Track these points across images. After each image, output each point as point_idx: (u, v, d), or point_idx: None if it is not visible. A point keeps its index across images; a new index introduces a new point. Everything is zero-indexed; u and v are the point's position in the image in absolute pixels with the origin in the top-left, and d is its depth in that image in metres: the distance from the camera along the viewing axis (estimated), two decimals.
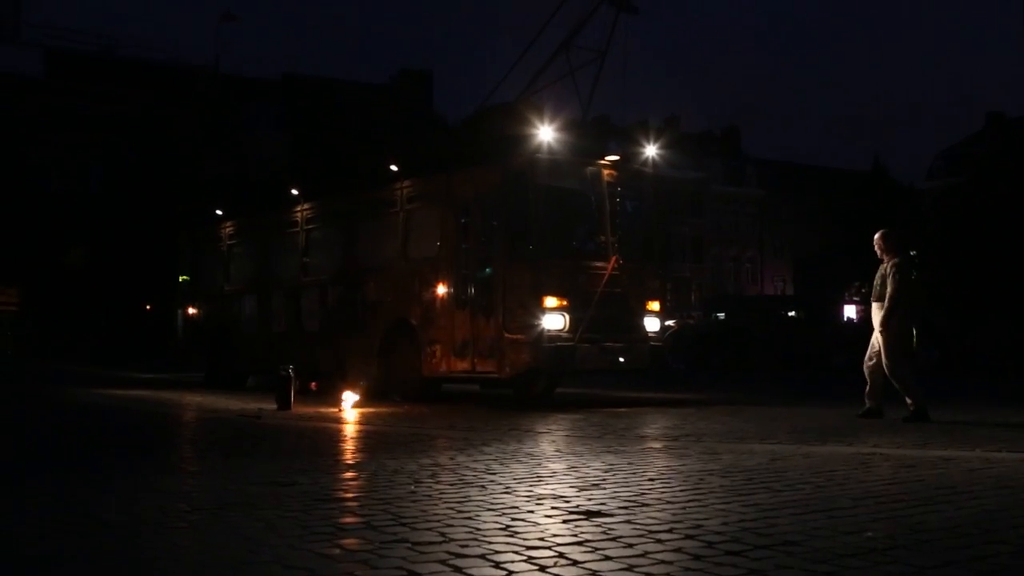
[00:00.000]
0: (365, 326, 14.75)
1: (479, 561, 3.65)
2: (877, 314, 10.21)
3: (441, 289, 13.28)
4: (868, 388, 10.25)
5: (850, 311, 32.25)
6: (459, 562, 3.63)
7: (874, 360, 10.19)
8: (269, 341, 17.09)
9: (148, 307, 41.94)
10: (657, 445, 7.79)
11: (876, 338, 10.17)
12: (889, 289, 10.05)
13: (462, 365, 12.97)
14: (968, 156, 61.45)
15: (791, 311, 35.20)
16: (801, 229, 67.97)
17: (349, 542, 3.99)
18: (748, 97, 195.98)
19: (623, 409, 12.19)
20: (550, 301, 12.17)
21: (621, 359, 12.85)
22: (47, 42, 54.75)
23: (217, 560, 3.82)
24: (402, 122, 46.04)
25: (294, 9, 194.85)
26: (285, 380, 12.07)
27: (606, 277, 12.57)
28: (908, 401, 9.84)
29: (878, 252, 10.35)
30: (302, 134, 51.34)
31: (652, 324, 13.35)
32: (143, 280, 40.24)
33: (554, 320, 12.16)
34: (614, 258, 12.71)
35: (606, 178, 13.11)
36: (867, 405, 10.21)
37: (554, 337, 12.13)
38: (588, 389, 16.08)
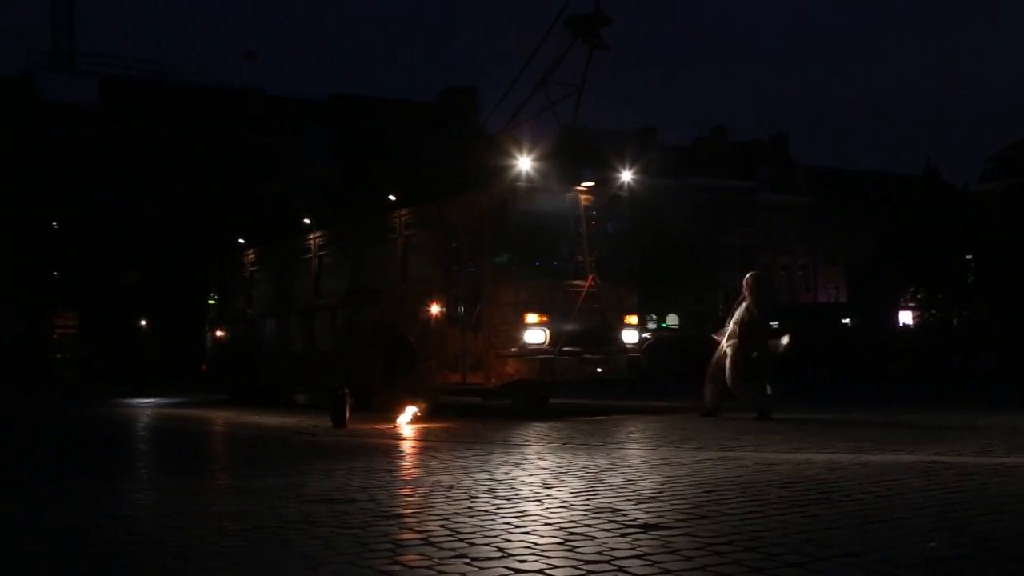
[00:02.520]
0: (370, 344, 15.94)
1: None
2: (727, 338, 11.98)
3: (435, 309, 14.43)
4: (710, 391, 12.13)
5: (906, 317, 31.86)
6: None
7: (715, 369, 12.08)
8: (287, 360, 18.69)
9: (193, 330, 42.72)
10: (714, 456, 7.73)
11: (723, 349, 11.98)
12: (742, 323, 11.76)
13: (454, 378, 14.13)
14: (1022, 158, 60.45)
15: (845, 319, 34.85)
16: (853, 235, 66.99)
17: (408, 558, 4.01)
18: (797, 103, 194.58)
19: (672, 417, 12.14)
20: (531, 318, 13.27)
21: (599, 369, 13.84)
22: (101, 71, 55.91)
23: None
24: (451, 140, 46.10)
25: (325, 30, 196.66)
26: (340, 397, 12.28)
27: (584, 294, 13.52)
28: (753, 407, 11.60)
29: (744, 290, 11.94)
30: (349, 154, 51.61)
31: (630, 336, 14.30)
32: (191, 304, 40.89)
33: (535, 335, 13.22)
34: (591, 276, 13.67)
35: (583, 202, 14.16)
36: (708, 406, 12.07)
37: (535, 350, 13.17)
38: (637, 400, 16.02)
